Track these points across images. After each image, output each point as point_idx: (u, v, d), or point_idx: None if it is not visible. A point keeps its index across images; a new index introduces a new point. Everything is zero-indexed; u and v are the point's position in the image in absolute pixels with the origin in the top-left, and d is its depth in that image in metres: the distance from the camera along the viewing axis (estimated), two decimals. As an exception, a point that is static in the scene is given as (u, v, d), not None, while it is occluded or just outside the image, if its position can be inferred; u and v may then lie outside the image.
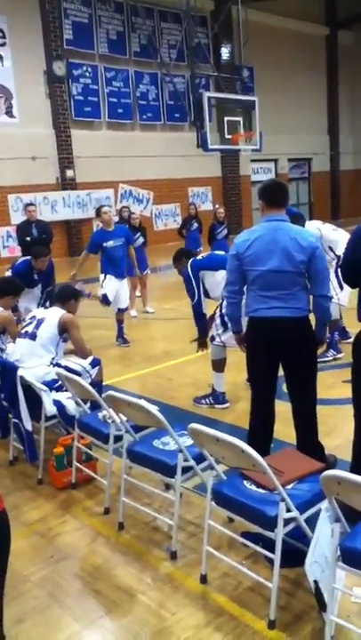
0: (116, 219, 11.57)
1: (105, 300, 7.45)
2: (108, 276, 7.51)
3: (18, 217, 14.03)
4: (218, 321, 4.96)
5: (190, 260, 5.13)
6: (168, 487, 3.51)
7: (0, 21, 15.66)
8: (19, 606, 2.81)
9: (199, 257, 5.24)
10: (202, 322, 5.13)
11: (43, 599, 2.87)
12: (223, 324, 4.93)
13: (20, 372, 4.04)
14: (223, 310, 4.94)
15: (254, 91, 20.51)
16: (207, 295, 5.11)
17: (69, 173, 17.10)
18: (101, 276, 7.58)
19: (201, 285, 5.01)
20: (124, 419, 3.43)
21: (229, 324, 4.81)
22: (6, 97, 15.99)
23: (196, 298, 5.00)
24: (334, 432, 4.24)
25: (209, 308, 5.19)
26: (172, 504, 3.19)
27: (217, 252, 5.52)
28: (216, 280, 4.99)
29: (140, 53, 18.91)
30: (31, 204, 9.91)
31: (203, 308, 5.03)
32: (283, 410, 3.75)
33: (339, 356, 6.12)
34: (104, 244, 7.44)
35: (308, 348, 3.52)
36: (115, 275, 7.50)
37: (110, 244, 7.44)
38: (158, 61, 18.22)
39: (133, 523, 3.40)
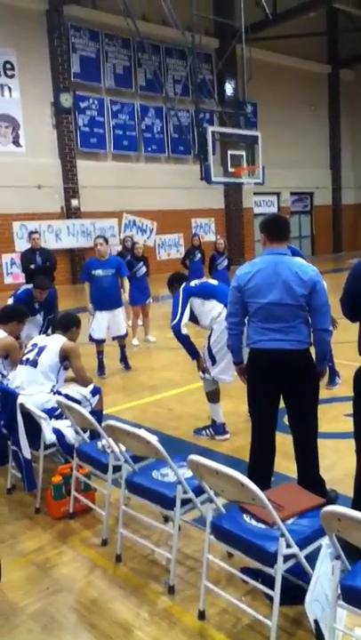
0: (120, 248, 11.68)
1: (91, 339, 7.41)
2: (96, 312, 7.48)
3: (22, 244, 14.18)
4: (206, 355, 4.96)
5: (183, 285, 5.12)
6: (167, 520, 3.46)
7: (9, 54, 16.06)
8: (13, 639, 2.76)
9: (192, 283, 5.21)
10: (187, 341, 5.00)
11: (37, 633, 2.81)
12: (211, 357, 4.92)
13: (20, 400, 4.02)
14: (211, 344, 4.93)
15: (257, 126, 20.88)
16: (196, 322, 5.07)
17: (74, 203, 17.31)
18: (91, 312, 7.54)
19: (187, 310, 4.95)
20: (124, 448, 3.41)
21: (217, 360, 4.83)
22: (14, 127, 16.30)
23: (177, 320, 4.90)
24: (336, 466, 4.21)
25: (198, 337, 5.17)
26: (170, 537, 3.15)
27: (210, 281, 5.46)
28: (205, 309, 4.95)
29: (146, 87, 19.34)
30: (35, 232, 10.01)
31: (181, 329, 4.91)
32: (284, 442, 3.73)
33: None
34: (93, 272, 7.43)
35: (309, 381, 3.51)
36: (104, 308, 7.45)
37: (99, 272, 7.38)
38: (163, 96, 18.62)
39: (131, 555, 3.35)
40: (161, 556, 3.29)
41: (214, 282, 5.43)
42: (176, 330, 4.90)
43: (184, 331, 4.91)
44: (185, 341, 4.96)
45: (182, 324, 4.89)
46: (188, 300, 4.97)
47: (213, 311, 4.89)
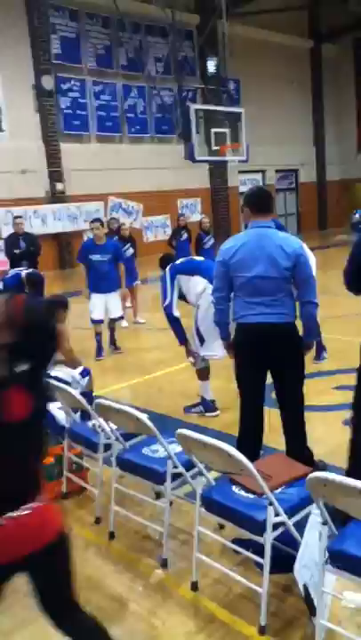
0: (105, 230, 11.63)
1: (92, 321, 7.42)
2: (92, 295, 7.48)
3: (8, 230, 14.03)
4: (194, 335, 4.98)
5: (169, 265, 5.14)
6: (158, 496, 3.50)
7: (-12, 37, 15.77)
8: (8, 618, 2.79)
9: (178, 262, 5.23)
10: (176, 325, 5.05)
11: (32, 610, 2.83)
12: (199, 336, 4.95)
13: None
14: (198, 322, 4.95)
15: (240, 102, 20.70)
16: (184, 299, 5.09)
17: (59, 186, 17.15)
18: (87, 295, 7.55)
19: (175, 290, 4.98)
20: (114, 427, 3.43)
21: (205, 338, 4.85)
22: (-5, 111, 16.07)
23: (168, 300, 4.95)
24: (324, 438, 4.26)
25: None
26: (162, 512, 3.19)
27: (195, 258, 5.51)
28: (191, 285, 4.98)
29: (128, 67, 19.09)
30: (19, 217, 9.96)
31: (173, 311, 4.96)
32: (272, 416, 3.76)
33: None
34: (90, 257, 7.42)
35: (295, 354, 3.54)
36: (100, 291, 7.45)
37: (97, 257, 7.37)
38: (145, 75, 18.38)
39: (124, 532, 3.40)
40: (154, 531, 3.33)
41: (199, 258, 5.45)
42: (168, 311, 4.94)
43: (176, 312, 4.95)
44: (175, 324, 4.99)
45: (174, 304, 4.92)
46: (174, 278, 4.99)
47: (198, 287, 4.90)
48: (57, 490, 3.84)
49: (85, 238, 17.43)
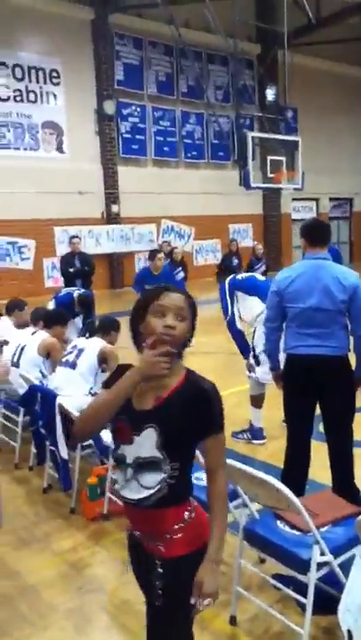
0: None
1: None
2: None
3: (63, 249, 14.40)
4: (250, 354, 4.94)
5: (229, 278, 5.13)
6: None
7: (55, 62, 16.38)
8: (45, 638, 2.80)
9: (239, 276, 5.20)
10: (240, 339, 5.01)
11: (69, 631, 2.85)
12: (255, 357, 4.90)
13: (58, 400, 4.09)
14: (254, 343, 4.91)
15: (298, 131, 20.74)
16: (240, 317, 5.05)
17: (114, 208, 17.50)
18: None
19: (235, 304, 4.96)
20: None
21: (261, 360, 4.77)
22: (58, 133, 16.60)
23: (230, 315, 4.94)
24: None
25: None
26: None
27: (257, 277, 5.43)
28: (248, 305, 4.93)
29: (188, 94, 19.44)
30: (76, 237, 10.19)
31: (237, 324, 4.94)
32: (319, 450, 3.69)
33: None
34: (146, 286, 7.50)
35: (346, 388, 3.47)
36: None
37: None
38: (205, 102, 18.67)
39: (164, 558, 3.36)
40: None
41: (261, 277, 5.38)
42: (230, 324, 4.93)
43: (239, 325, 4.91)
44: (238, 337, 4.98)
45: (236, 317, 4.90)
46: (233, 292, 4.98)
47: (254, 309, 4.85)
48: (98, 510, 3.86)
49: (137, 261, 17.83)
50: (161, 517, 1.77)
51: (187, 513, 1.80)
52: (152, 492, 1.73)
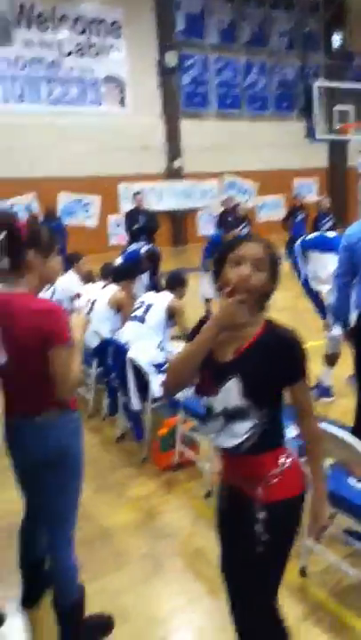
0: (221, 209, 11.63)
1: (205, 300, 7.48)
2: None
3: (126, 206, 14.42)
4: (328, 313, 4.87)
5: (299, 240, 5.07)
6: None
7: (117, 13, 16.09)
8: (123, 577, 2.94)
9: (309, 237, 5.12)
10: (316, 301, 4.95)
11: (145, 573, 2.98)
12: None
13: (129, 354, 4.18)
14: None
15: (368, 79, 19.75)
16: (315, 276, 4.98)
17: (176, 163, 17.32)
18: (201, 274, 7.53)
19: (307, 266, 4.89)
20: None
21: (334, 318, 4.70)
22: (120, 87, 16.44)
23: (303, 276, 4.90)
24: None
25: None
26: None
27: (327, 234, 5.31)
28: (322, 262, 4.84)
29: (250, 42, 18.77)
30: (138, 193, 10.17)
31: (310, 285, 4.89)
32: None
33: None
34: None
35: None
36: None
37: None
38: (268, 50, 17.98)
39: (234, 509, 3.44)
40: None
41: (332, 234, 5.27)
42: (305, 285, 4.90)
43: (313, 286, 4.86)
44: (313, 297, 4.94)
45: (310, 278, 4.86)
46: (305, 253, 4.91)
47: (329, 266, 4.75)
48: (169, 460, 3.96)
49: (199, 216, 17.68)
50: (258, 463, 1.81)
51: (283, 458, 1.83)
52: (244, 438, 1.78)
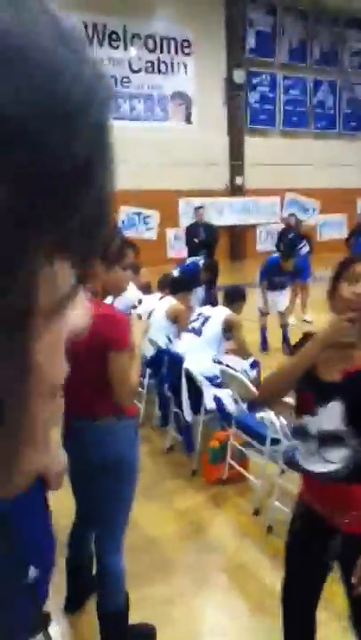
0: (282, 226, 11.56)
1: (261, 313, 7.45)
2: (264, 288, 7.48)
3: (186, 221, 14.53)
4: None
5: None
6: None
7: (187, 32, 16.35)
8: (167, 588, 2.92)
9: None
10: None
11: (190, 585, 2.95)
12: None
13: (185, 365, 4.19)
14: None
15: None
16: None
17: (238, 180, 17.35)
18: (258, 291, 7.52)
19: None
20: (284, 422, 3.41)
21: None
22: (186, 104, 16.66)
23: None
24: None
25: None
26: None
27: None
28: None
29: (321, 61, 18.67)
30: (201, 207, 10.23)
31: None
32: None
33: None
34: (273, 278, 7.39)
35: None
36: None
37: (278, 279, 7.37)
38: (339, 69, 17.85)
39: (283, 528, 3.36)
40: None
41: None
42: None
43: None
44: None
45: None
46: None
47: None
48: (218, 474, 3.93)
49: (258, 233, 17.63)
50: (347, 492, 1.70)
51: None
52: (337, 467, 1.68)
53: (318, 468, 1.72)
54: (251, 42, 17.42)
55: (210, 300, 7.00)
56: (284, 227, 11.12)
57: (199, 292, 7.28)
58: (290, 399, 3.27)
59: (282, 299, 7.54)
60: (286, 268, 7.22)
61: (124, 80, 15.82)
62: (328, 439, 1.68)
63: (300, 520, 1.89)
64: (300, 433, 1.77)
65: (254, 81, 17.70)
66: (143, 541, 3.29)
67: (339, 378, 1.68)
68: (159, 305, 5.16)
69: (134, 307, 5.35)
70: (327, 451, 1.69)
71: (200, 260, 7.27)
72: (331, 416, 1.67)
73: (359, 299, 1.64)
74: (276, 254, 7.56)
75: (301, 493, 1.89)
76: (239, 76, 16.93)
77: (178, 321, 4.97)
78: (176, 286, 5.30)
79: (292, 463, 3.29)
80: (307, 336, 1.76)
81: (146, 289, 5.87)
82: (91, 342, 2.13)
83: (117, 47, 15.66)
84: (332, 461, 1.68)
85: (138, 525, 3.38)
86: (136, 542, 3.22)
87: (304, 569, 1.90)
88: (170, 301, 5.12)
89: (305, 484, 1.86)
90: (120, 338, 2.14)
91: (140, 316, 4.96)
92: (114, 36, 15.56)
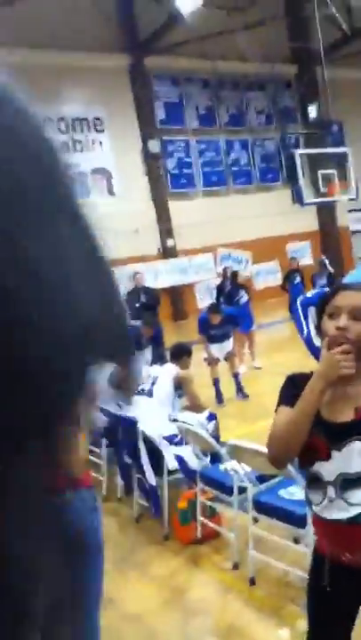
0: (217, 282, 11.82)
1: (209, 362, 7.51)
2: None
3: (122, 287, 14.65)
4: None
5: (299, 298, 5.14)
6: (297, 541, 3.37)
7: (98, 111, 17.02)
8: None
9: (309, 294, 5.22)
10: (315, 352, 4.95)
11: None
12: None
13: (140, 428, 4.12)
14: None
15: (345, 143, 20.57)
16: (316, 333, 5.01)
17: (170, 242, 17.78)
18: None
19: (310, 321, 4.93)
20: (248, 469, 3.38)
21: None
22: (107, 178, 17.14)
23: (306, 333, 4.92)
24: None
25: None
26: (304, 557, 3.06)
27: (326, 289, 5.42)
28: None
29: (230, 122, 19.73)
30: (139, 273, 10.38)
31: (314, 341, 4.90)
32: None
33: None
34: (210, 331, 7.51)
35: None
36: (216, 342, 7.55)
37: (215, 331, 7.45)
38: (248, 128, 18.87)
39: (265, 578, 3.28)
40: (296, 577, 3.19)
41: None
42: (308, 342, 4.90)
43: (317, 342, 4.86)
44: (317, 353, 4.91)
45: (312, 334, 4.87)
46: (307, 310, 4.96)
47: None
48: (192, 534, 3.82)
49: (197, 290, 17.95)
50: None
51: None
52: None
53: (343, 514, 1.63)
54: (160, 113, 18.29)
55: (158, 360, 7.00)
56: (221, 280, 11.36)
57: (146, 354, 7.29)
58: (257, 447, 3.26)
59: (224, 348, 7.62)
60: (214, 321, 7.32)
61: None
62: (350, 482, 1.61)
63: (321, 573, 1.75)
64: (314, 482, 1.69)
65: (170, 148, 18.46)
66: (122, 619, 3.13)
67: (352, 417, 1.62)
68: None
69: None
70: (351, 494, 1.62)
71: (139, 324, 7.30)
72: (350, 458, 1.60)
73: (342, 332, 1.60)
74: (205, 311, 7.67)
75: (320, 547, 1.79)
76: (154, 145, 17.64)
77: (183, 386, 4.88)
78: (175, 354, 5.24)
79: (263, 509, 3.25)
80: (290, 381, 1.73)
81: None
82: None
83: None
84: (356, 504, 1.61)
85: (115, 603, 3.22)
86: (115, 622, 3.06)
87: (332, 622, 1.81)
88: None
89: (325, 535, 1.75)
90: None
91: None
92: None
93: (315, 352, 4.99)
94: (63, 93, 16.38)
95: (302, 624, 2.83)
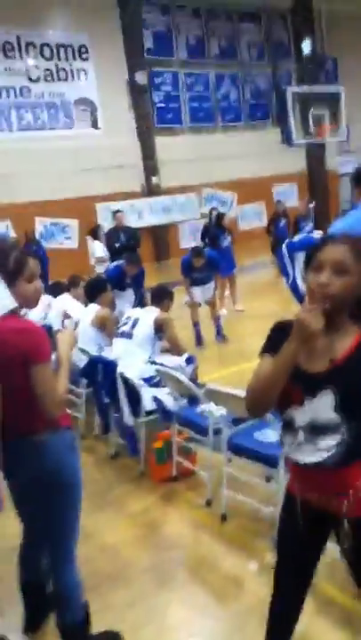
0: (206, 220, 11.67)
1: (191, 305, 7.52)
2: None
3: (107, 225, 14.43)
4: None
5: (285, 242, 5.13)
6: (269, 480, 3.49)
7: (82, 38, 16.26)
8: (129, 592, 2.91)
9: (295, 239, 5.21)
10: (300, 299, 5.00)
11: (151, 586, 2.95)
12: None
13: (119, 369, 4.16)
14: None
15: (339, 81, 20.01)
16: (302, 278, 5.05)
17: (154, 180, 17.42)
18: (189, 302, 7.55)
19: (297, 266, 4.95)
20: (224, 412, 3.45)
21: None
22: (91, 109, 16.57)
23: (291, 278, 4.94)
24: None
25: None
26: (274, 495, 3.17)
27: (313, 234, 5.41)
28: None
29: (220, 56, 19.02)
30: (119, 211, 10.20)
31: (299, 286, 4.93)
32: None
33: None
34: (192, 273, 7.43)
35: None
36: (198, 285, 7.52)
37: (197, 274, 7.37)
38: (238, 62, 18.21)
39: (236, 514, 3.42)
40: (265, 514, 3.32)
41: (318, 233, 5.33)
42: (293, 287, 4.92)
43: (301, 287, 4.89)
44: (302, 299, 4.97)
45: (298, 279, 4.88)
46: (292, 255, 4.96)
47: None
48: (166, 473, 3.93)
49: (181, 231, 17.77)
50: (344, 476, 1.70)
51: None
52: (330, 453, 1.68)
53: (311, 458, 1.71)
54: (149, 43, 17.53)
55: (139, 303, 6.99)
56: (207, 221, 11.24)
57: (129, 294, 7.25)
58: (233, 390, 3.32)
59: (206, 291, 7.60)
60: (197, 264, 7.25)
61: (24, 90, 15.58)
62: (319, 429, 1.68)
63: (292, 510, 1.85)
64: (287, 426, 1.76)
65: (157, 81, 17.82)
66: (99, 550, 3.26)
67: (326, 368, 1.67)
68: (84, 314, 5.11)
69: (64, 317, 5.29)
70: (318, 440, 1.69)
71: (122, 263, 7.23)
72: (321, 406, 1.67)
73: (321, 289, 1.61)
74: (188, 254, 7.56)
75: (291, 487, 1.88)
76: (141, 77, 16.99)
77: (105, 326, 4.93)
78: (90, 291, 5.24)
79: (237, 450, 3.35)
80: (276, 330, 1.76)
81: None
82: (11, 358, 2.08)
83: (13, 57, 15.39)
84: (325, 449, 1.69)
85: (92, 536, 3.34)
86: (92, 553, 3.19)
87: (300, 555, 1.92)
88: (94, 309, 5.07)
89: (296, 476, 1.85)
90: (37, 350, 2.10)
91: (76, 325, 4.91)
92: (8, 46, 15.29)
93: (300, 298, 5.03)
94: (48, 17, 15.62)
95: (270, 557, 2.99)
